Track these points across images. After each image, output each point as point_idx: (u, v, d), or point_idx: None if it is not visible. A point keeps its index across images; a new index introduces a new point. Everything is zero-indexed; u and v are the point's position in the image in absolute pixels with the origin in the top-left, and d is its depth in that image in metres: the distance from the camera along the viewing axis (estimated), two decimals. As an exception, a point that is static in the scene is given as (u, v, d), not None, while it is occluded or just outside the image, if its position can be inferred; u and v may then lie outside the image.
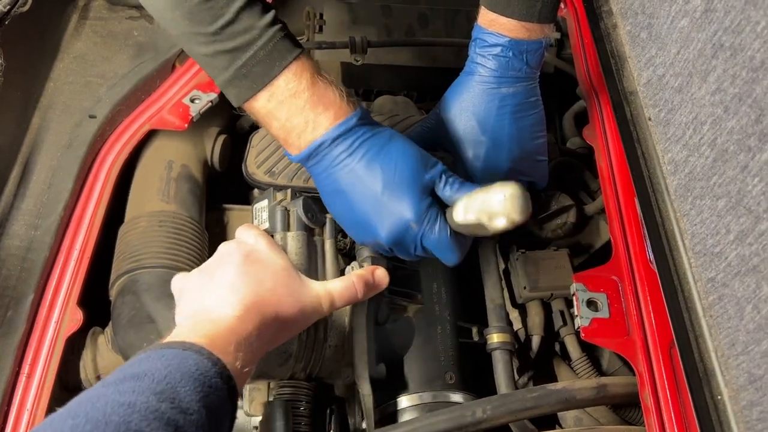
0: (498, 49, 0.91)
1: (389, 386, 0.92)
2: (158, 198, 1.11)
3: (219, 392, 0.57)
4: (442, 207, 0.87)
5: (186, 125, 1.16)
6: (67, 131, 1.10)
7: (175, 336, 0.64)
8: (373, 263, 0.90)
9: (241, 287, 0.69)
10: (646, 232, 0.90)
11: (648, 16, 0.89)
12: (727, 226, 0.70)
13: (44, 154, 1.08)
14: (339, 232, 1.00)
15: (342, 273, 0.91)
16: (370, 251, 0.92)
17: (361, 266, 0.89)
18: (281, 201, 0.96)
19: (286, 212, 0.94)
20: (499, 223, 0.81)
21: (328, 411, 0.90)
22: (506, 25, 0.90)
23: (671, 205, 0.83)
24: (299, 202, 0.95)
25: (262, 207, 0.98)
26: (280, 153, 1.15)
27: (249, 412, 0.84)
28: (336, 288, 0.79)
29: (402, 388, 0.93)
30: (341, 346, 0.88)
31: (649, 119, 0.87)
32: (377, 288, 0.85)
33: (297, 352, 0.84)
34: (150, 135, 1.18)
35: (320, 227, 0.97)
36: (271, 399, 0.86)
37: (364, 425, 0.84)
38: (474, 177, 0.97)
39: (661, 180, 0.85)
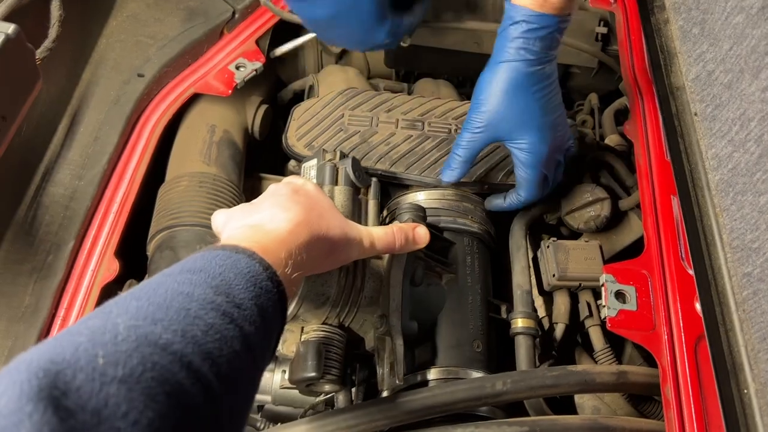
0: (524, 26, 0.91)
1: (419, 346, 0.94)
2: (200, 159, 1.13)
3: (269, 294, 0.58)
4: None
5: (230, 91, 1.18)
6: (116, 88, 1.13)
7: (228, 238, 0.66)
8: None
9: (291, 208, 0.71)
10: (682, 227, 0.90)
11: (702, 11, 0.89)
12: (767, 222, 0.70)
13: (92, 108, 1.10)
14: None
15: None
16: (411, 215, 0.94)
17: None
18: (330, 159, 0.99)
19: (335, 169, 0.98)
20: None
21: (357, 365, 0.92)
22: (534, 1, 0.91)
23: (711, 201, 0.83)
24: (348, 160, 0.98)
25: (311, 165, 1.01)
26: (321, 127, 1.16)
27: (281, 351, 0.86)
28: (377, 232, 0.82)
29: (431, 351, 0.95)
30: (376, 299, 0.90)
31: (695, 114, 0.87)
32: (416, 243, 0.87)
33: (335, 296, 0.86)
34: (194, 98, 1.21)
35: (365, 187, 1.00)
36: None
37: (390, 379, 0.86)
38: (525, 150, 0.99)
39: (703, 175, 0.85)
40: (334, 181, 0.97)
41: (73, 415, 0.38)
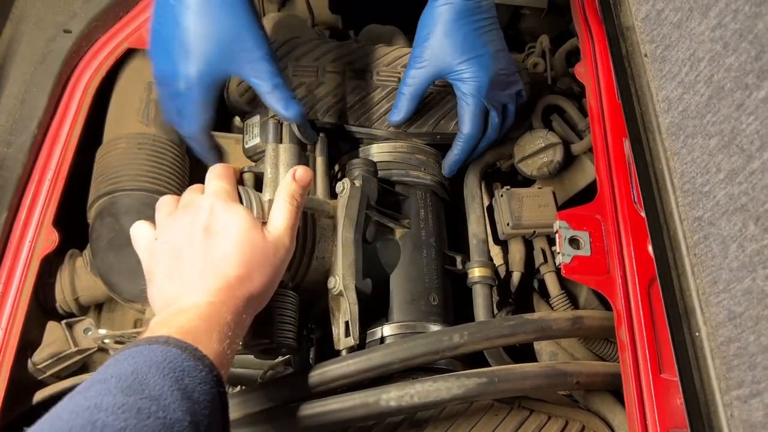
0: None
1: (374, 302, 0.93)
2: (137, 120, 1.07)
3: (193, 375, 0.57)
4: None
5: (166, 45, 1.12)
6: (41, 46, 1.06)
7: (148, 331, 0.64)
8: (364, 182, 0.90)
9: (207, 271, 0.70)
10: (634, 170, 0.89)
11: (651, -53, 0.86)
12: (717, 165, 0.70)
13: (16, 68, 1.03)
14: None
15: (333, 189, 0.92)
16: (360, 170, 0.91)
17: (352, 184, 0.89)
18: (273, 116, 0.95)
19: (279, 125, 0.95)
20: None
21: (309, 325, 0.91)
22: None
23: (662, 144, 0.82)
24: None
25: (254, 122, 0.97)
26: (265, 80, 1.11)
27: None
28: (284, 217, 0.79)
29: (387, 307, 0.94)
30: (329, 259, 0.89)
31: (645, 55, 0.86)
32: (305, 187, 0.83)
33: None
34: (128, 54, 1.14)
35: (312, 144, 0.97)
36: None
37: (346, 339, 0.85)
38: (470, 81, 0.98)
39: (653, 118, 0.84)
40: (278, 139, 0.94)
41: None
